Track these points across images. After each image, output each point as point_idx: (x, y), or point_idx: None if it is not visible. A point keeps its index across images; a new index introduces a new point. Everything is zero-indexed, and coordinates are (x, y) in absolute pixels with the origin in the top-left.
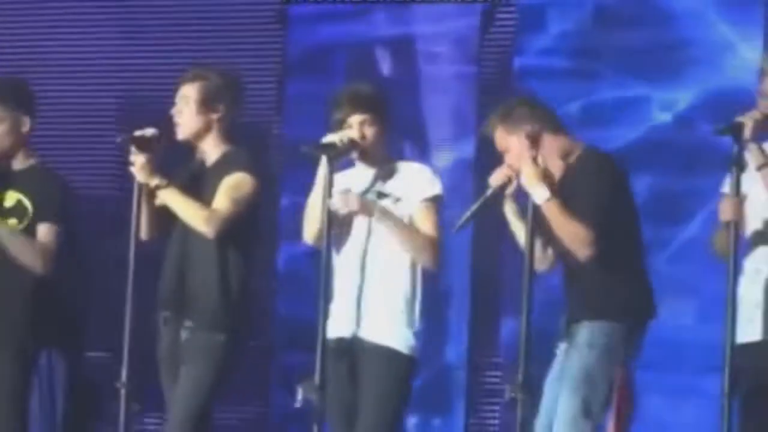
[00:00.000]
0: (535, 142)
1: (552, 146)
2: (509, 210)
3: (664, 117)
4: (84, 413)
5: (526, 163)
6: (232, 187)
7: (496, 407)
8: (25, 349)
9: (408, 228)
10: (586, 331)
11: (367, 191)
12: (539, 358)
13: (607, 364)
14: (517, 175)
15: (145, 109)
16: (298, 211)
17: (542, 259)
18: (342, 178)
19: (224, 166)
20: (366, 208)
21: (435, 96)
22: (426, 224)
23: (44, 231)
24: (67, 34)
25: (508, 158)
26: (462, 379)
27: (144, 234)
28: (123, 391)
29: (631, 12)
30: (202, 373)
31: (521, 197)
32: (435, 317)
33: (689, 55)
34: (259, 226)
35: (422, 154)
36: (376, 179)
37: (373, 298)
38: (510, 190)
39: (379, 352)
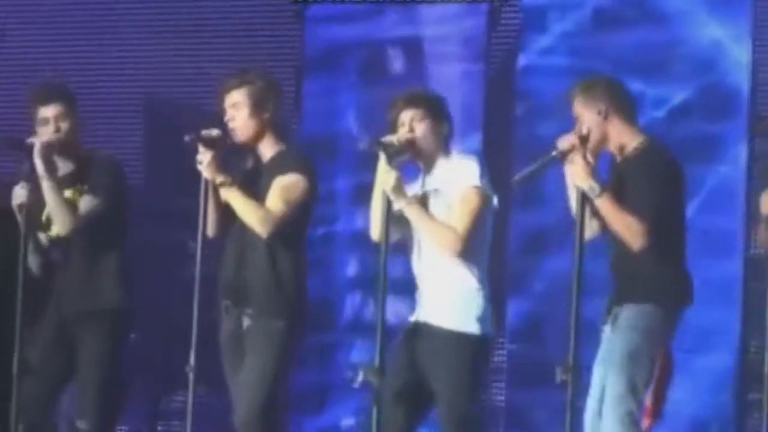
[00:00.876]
0: (605, 119)
1: (616, 130)
2: (569, 175)
3: (658, 113)
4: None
5: (577, 161)
6: (285, 188)
7: (502, 384)
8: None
9: (430, 220)
10: (629, 314)
11: (424, 189)
12: (546, 341)
13: (650, 344)
14: (584, 143)
15: (168, 106)
16: None
17: (588, 227)
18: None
19: (278, 165)
20: (397, 190)
21: (444, 93)
22: (455, 214)
23: None
24: (92, 33)
25: (578, 127)
26: None
27: (210, 230)
28: (191, 375)
29: (627, 13)
30: (266, 361)
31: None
32: None
33: (681, 54)
34: (308, 225)
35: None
36: (431, 176)
37: (436, 284)
38: (573, 156)
39: (445, 336)
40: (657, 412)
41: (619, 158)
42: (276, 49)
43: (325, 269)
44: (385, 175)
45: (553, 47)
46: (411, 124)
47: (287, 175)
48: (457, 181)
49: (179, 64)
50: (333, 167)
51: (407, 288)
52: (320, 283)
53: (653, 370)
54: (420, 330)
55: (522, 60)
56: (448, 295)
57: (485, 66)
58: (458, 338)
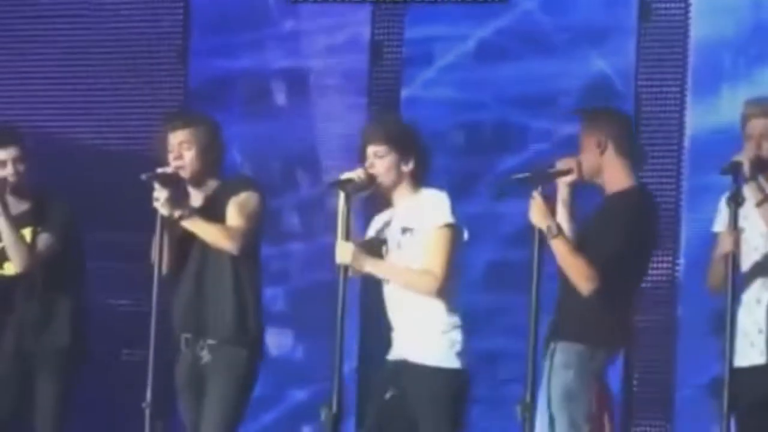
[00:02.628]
0: (603, 152)
1: (612, 164)
2: (560, 196)
3: (542, 145)
4: None
5: (536, 199)
6: (242, 205)
7: None
8: None
9: (402, 273)
10: (561, 353)
11: (391, 228)
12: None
13: (584, 380)
14: (579, 171)
15: (48, 140)
16: None
17: None
18: (380, 216)
19: (228, 190)
20: (357, 260)
21: (327, 126)
22: (430, 253)
23: None
24: None
25: (581, 155)
26: (353, 393)
27: (165, 267)
28: (148, 411)
29: (511, 46)
30: (230, 392)
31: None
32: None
33: (566, 87)
34: (261, 243)
35: (314, 181)
36: (397, 214)
37: (415, 322)
38: (568, 179)
39: (427, 373)
40: None
41: (607, 193)
42: (160, 83)
43: None
44: (340, 250)
45: (436, 79)
46: (372, 160)
47: (241, 194)
48: (428, 217)
49: (62, 97)
50: None
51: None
52: None
53: (591, 405)
54: (400, 368)
55: (405, 92)
56: (427, 333)
57: (368, 99)
58: (441, 374)
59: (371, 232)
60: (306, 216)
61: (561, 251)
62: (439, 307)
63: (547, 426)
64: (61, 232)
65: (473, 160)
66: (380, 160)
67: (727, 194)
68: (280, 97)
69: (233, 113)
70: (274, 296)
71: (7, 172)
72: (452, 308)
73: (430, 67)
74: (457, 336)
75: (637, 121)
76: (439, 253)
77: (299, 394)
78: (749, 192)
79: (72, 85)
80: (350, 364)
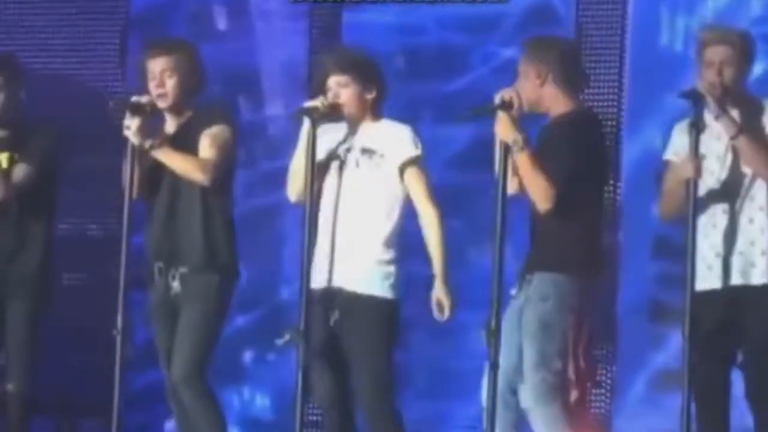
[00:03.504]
0: (543, 83)
1: (551, 94)
2: (499, 129)
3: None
4: None
5: (501, 114)
6: (215, 137)
7: None
8: None
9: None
10: (540, 283)
11: (350, 148)
12: None
13: (560, 314)
14: (519, 101)
15: None
16: None
17: (511, 184)
18: (326, 135)
19: (197, 123)
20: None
21: (268, 50)
22: (418, 190)
23: None
24: None
25: (518, 84)
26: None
27: (134, 193)
28: (118, 338)
29: None
30: (203, 317)
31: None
32: (273, 257)
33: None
34: (233, 175)
35: (256, 106)
36: (358, 136)
37: (351, 248)
38: (511, 110)
39: (362, 301)
40: (587, 380)
41: (551, 119)
42: (101, 8)
43: None
44: None
45: (376, 3)
46: (337, 90)
47: (213, 126)
48: (396, 147)
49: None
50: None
51: None
52: None
53: (567, 340)
54: (335, 295)
55: (347, 16)
56: (366, 262)
57: (309, 23)
58: (375, 302)
59: (322, 149)
60: (247, 142)
61: (527, 166)
62: (379, 238)
63: (514, 358)
64: (40, 161)
65: (415, 84)
66: (344, 89)
67: (681, 122)
68: (222, 21)
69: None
70: None
71: None
72: (394, 241)
73: None
74: (394, 267)
75: (578, 45)
76: (426, 185)
77: (240, 320)
78: (709, 119)
79: (18, 16)
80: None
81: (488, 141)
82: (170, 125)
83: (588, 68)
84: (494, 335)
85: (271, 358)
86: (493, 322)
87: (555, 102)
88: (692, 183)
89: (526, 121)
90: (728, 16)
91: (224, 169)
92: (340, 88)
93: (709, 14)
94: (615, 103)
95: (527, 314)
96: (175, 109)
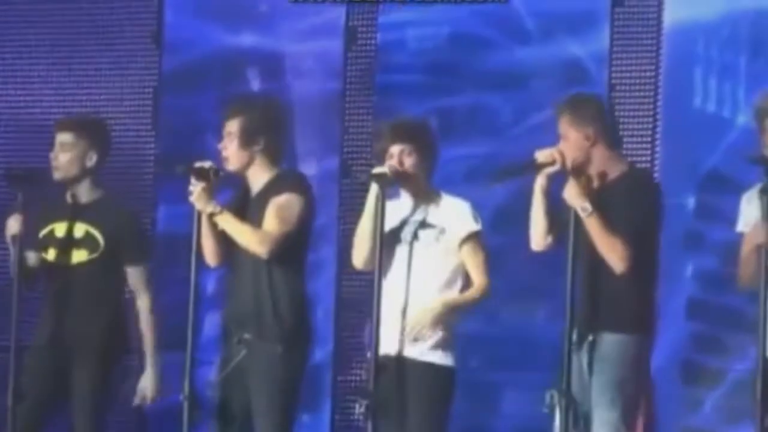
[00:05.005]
0: (592, 145)
1: (602, 156)
2: (539, 185)
3: (517, 130)
4: None
5: (571, 180)
6: (281, 208)
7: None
8: None
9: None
10: (613, 344)
11: (407, 220)
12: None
13: (637, 375)
14: (562, 162)
15: (27, 127)
16: (170, 219)
17: (543, 240)
18: (388, 206)
19: (272, 189)
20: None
21: (302, 110)
22: (475, 266)
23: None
24: None
25: (562, 144)
26: (328, 378)
27: (211, 260)
28: (186, 404)
29: (486, 32)
30: (272, 389)
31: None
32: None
33: (541, 71)
34: (308, 244)
35: (291, 165)
36: (418, 208)
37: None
38: (549, 170)
39: (422, 368)
40: None
41: (597, 183)
42: (134, 68)
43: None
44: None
45: (410, 64)
46: (400, 158)
47: (282, 195)
48: (461, 223)
49: (42, 83)
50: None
51: None
52: None
53: (641, 401)
54: (397, 362)
55: (380, 78)
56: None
57: (343, 84)
58: (436, 370)
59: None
60: None
61: (597, 229)
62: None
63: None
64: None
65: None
66: (409, 158)
67: (748, 192)
68: (255, 82)
69: (208, 97)
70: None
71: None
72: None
73: (405, 52)
74: (452, 336)
75: (611, 106)
76: (482, 262)
77: None
78: None
79: (54, 69)
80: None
81: (521, 201)
82: (254, 188)
83: (621, 129)
84: (564, 397)
85: (305, 419)
86: (564, 384)
87: (608, 163)
88: (765, 250)
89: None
90: (762, 78)
91: (287, 240)
92: (404, 156)
93: (743, 77)
94: (648, 164)
95: (603, 375)
96: (246, 173)
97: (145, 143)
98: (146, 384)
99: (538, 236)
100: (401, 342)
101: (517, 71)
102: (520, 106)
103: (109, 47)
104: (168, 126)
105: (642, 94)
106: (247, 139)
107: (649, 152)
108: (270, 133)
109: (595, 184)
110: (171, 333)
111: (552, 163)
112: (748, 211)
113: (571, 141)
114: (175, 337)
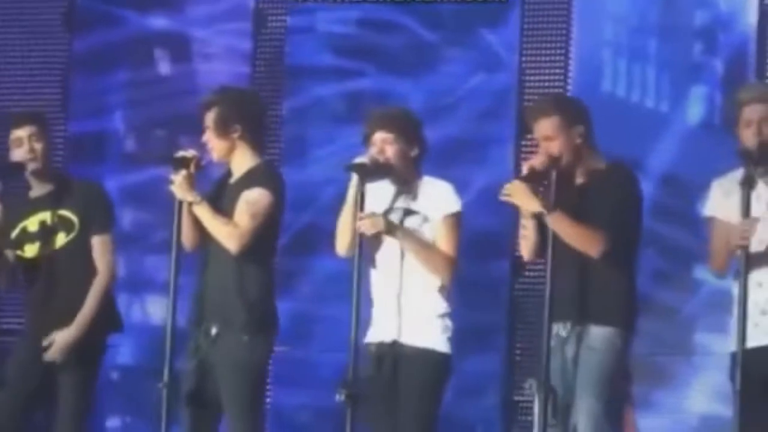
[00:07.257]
0: (583, 143)
1: (588, 153)
2: (521, 202)
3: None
4: None
5: (515, 186)
6: (250, 203)
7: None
8: None
9: (427, 248)
10: (600, 336)
11: (392, 208)
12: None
13: (621, 366)
14: (558, 162)
15: None
16: None
17: (532, 249)
18: (370, 192)
19: (245, 181)
20: (390, 228)
21: None
22: (446, 242)
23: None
24: None
25: (552, 146)
26: None
27: (187, 243)
28: (164, 392)
29: (395, 16)
30: (238, 378)
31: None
32: None
33: (451, 55)
34: (276, 238)
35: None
36: (402, 196)
37: (412, 305)
38: (510, 184)
39: (420, 354)
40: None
41: (582, 180)
42: (45, 50)
43: None
44: (372, 220)
45: (319, 48)
46: (381, 146)
47: (252, 189)
48: (440, 206)
49: None
50: (101, 167)
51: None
52: None
53: (625, 395)
54: (391, 348)
55: (289, 61)
56: (425, 316)
57: (252, 68)
58: (433, 356)
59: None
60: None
61: (563, 224)
62: (436, 292)
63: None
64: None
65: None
66: (389, 146)
67: (720, 178)
68: (164, 65)
69: (118, 79)
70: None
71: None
72: (447, 295)
73: (314, 35)
74: (449, 322)
75: (521, 92)
76: (453, 242)
77: None
78: (759, 180)
79: None
80: None
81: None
82: (234, 173)
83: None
84: (544, 390)
85: None
86: (543, 375)
87: (593, 158)
88: (743, 252)
89: None
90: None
91: (257, 236)
92: (386, 145)
93: (653, 59)
94: None
95: (590, 366)
96: (226, 161)
97: (55, 125)
98: (61, 340)
99: (529, 252)
100: (398, 329)
101: (427, 56)
102: (430, 90)
103: (20, 29)
104: (77, 107)
105: (552, 78)
106: (223, 128)
107: None
108: (245, 120)
109: (581, 180)
110: None
111: (558, 159)
112: (718, 199)
113: (561, 141)
114: None
